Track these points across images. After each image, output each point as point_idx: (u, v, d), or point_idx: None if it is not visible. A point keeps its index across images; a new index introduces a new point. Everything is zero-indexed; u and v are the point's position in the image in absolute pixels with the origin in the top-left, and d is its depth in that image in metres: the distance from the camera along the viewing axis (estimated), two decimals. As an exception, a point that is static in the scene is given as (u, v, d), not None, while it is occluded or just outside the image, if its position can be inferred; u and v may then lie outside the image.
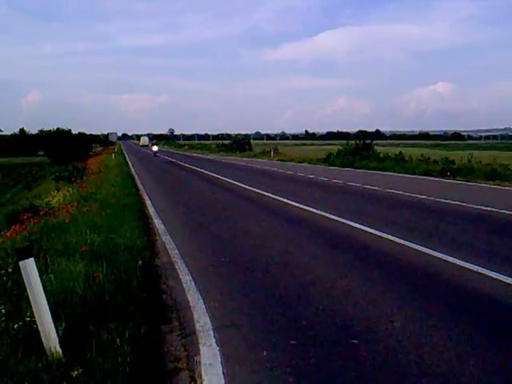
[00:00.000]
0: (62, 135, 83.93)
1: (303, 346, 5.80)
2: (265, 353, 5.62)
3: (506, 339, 6.02)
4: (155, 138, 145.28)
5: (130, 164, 50.52)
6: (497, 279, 8.18)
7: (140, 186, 25.72)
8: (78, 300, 6.58)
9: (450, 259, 9.43)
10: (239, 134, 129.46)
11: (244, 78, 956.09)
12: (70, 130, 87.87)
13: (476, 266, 8.86)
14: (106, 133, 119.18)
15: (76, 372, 4.82)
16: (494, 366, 5.26)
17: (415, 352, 5.59)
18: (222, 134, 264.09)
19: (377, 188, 23.21)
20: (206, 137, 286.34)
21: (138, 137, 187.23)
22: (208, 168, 39.71)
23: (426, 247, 10.39)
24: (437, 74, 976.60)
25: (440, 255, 9.75)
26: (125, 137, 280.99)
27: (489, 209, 16.08)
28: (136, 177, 32.44)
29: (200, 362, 5.41)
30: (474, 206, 16.80)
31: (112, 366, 4.92)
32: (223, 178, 30.42)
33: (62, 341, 5.27)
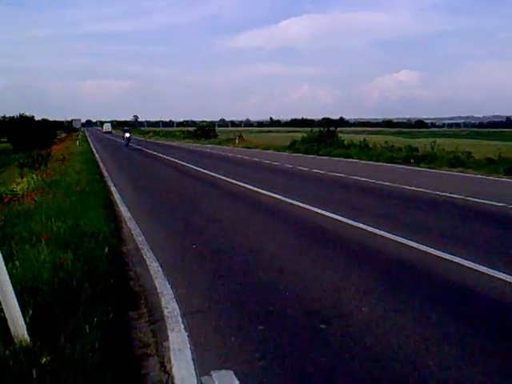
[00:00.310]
0: (25, 122, 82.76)
1: (271, 330, 5.83)
2: (233, 338, 5.64)
3: (465, 319, 6.13)
4: (119, 125, 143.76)
5: (94, 151, 50.13)
6: (453, 261, 8.32)
7: (105, 173, 25.55)
8: (45, 287, 6.52)
9: (414, 244, 9.56)
10: (204, 121, 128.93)
11: (208, 64, 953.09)
12: (33, 116, 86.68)
13: (438, 251, 9.00)
14: (69, 119, 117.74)
15: (44, 359, 4.79)
16: (458, 347, 5.36)
17: (383, 336, 5.66)
18: (187, 121, 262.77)
19: (342, 175, 23.38)
20: (170, 123, 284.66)
21: (102, 123, 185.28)
22: (173, 155, 39.57)
23: (391, 233, 10.50)
24: (400, 62, 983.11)
25: (406, 241, 9.87)
26: (89, 123, 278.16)
27: (454, 195, 16.29)
28: (101, 164, 32.21)
29: (169, 347, 5.40)
30: (438, 192, 16.99)
31: (81, 353, 4.89)
32: (189, 165, 30.37)
33: (30, 328, 5.23)
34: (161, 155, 40.95)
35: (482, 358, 5.12)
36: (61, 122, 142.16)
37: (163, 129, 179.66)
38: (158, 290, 7.26)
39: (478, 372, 4.85)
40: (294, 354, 5.24)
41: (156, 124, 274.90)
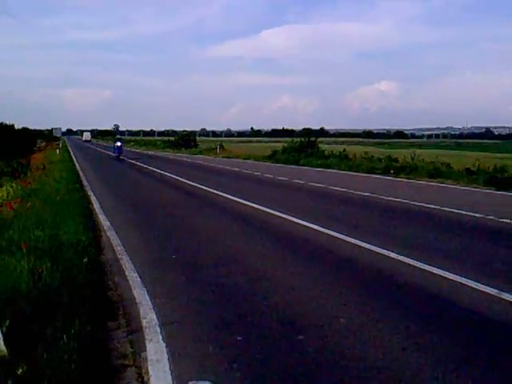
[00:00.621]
0: (4, 130, 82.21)
1: (249, 341, 5.84)
2: (211, 348, 5.64)
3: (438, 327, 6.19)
4: (100, 134, 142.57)
5: (74, 160, 49.85)
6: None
7: (85, 182, 25.43)
8: (23, 297, 6.50)
9: (393, 255, 9.62)
10: (185, 131, 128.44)
11: (190, 74, 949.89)
12: (13, 124, 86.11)
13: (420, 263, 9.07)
14: (50, 128, 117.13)
15: (21, 370, 4.77)
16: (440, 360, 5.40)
17: (360, 347, 5.68)
18: (168, 131, 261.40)
19: (321, 185, 23.46)
20: (151, 133, 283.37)
21: (83, 132, 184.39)
22: (153, 165, 39.47)
23: (367, 243, 10.56)
24: (381, 73, 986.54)
25: (383, 251, 9.93)
26: (70, 132, 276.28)
27: (431, 206, 16.40)
28: (81, 173, 32.04)
29: (147, 358, 5.40)
30: (415, 202, 17.12)
31: (58, 364, 4.88)
32: (169, 174, 30.35)
33: (7, 338, 5.21)
34: (141, 164, 40.87)
35: (461, 368, 5.16)
36: (41, 131, 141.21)
37: (144, 138, 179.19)
38: (137, 300, 7.24)
39: (458, 381, 4.89)
40: (272, 365, 5.25)
41: (137, 133, 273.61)
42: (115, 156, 52.26)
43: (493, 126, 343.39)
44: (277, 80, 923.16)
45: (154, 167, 36.66)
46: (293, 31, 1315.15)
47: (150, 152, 77.13)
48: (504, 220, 13.75)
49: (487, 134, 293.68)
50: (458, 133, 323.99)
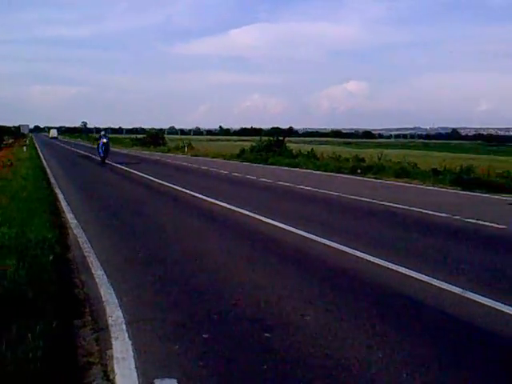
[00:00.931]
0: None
1: (216, 339, 5.86)
2: (177, 346, 5.66)
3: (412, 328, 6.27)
4: (68, 131, 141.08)
5: (41, 157, 49.32)
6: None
7: (52, 180, 25.18)
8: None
9: (358, 254, 9.70)
10: (153, 129, 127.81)
11: (158, 71, 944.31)
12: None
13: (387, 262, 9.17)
14: (17, 125, 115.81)
15: (-15, 368, 4.75)
16: (400, 355, 5.47)
17: (326, 345, 5.72)
18: (136, 128, 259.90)
19: (289, 184, 23.55)
20: (119, 130, 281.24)
21: (50, 129, 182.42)
22: (121, 162, 39.18)
23: (332, 241, 10.65)
24: (349, 73, 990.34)
25: (348, 250, 10.03)
26: (37, 129, 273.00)
27: (397, 205, 16.56)
28: (48, 170, 31.72)
29: (112, 356, 5.40)
30: (382, 202, 17.28)
31: (23, 362, 4.86)
32: (137, 172, 30.20)
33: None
34: (109, 162, 40.51)
35: (426, 366, 5.24)
36: (8, 128, 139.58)
37: (113, 136, 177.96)
38: (103, 299, 7.22)
39: (423, 379, 4.97)
40: (238, 363, 5.27)
41: (105, 131, 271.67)
42: (100, 158, 38.22)
43: (459, 126, 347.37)
44: (246, 79, 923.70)
45: (122, 165, 36.34)
46: (262, 30, 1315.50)
47: (117, 150, 76.54)
48: (470, 220, 13.92)
49: (454, 134, 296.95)
50: (425, 133, 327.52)
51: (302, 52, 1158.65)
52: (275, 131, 75.20)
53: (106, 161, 38.14)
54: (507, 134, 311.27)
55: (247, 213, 14.61)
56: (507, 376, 5.17)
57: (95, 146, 47.10)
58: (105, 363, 5.29)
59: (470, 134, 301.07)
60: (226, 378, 5.00)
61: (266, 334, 6.00)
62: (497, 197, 19.88)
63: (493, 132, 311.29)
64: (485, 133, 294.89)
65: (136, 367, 5.12)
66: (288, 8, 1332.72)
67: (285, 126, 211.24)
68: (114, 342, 5.74)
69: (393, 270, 8.72)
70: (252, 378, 4.99)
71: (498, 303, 7.00)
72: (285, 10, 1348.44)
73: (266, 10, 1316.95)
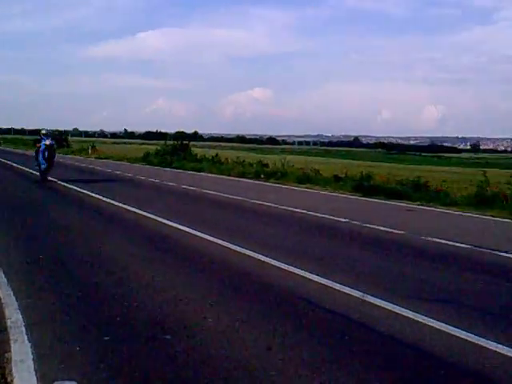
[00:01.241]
0: None
1: (117, 341, 5.82)
2: (78, 348, 5.61)
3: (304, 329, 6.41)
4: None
5: None
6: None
7: None
8: None
9: (261, 257, 9.82)
10: (57, 130, 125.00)
11: (63, 73, 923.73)
12: None
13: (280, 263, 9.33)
14: None
15: None
16: (301, 357, 5.59)
17: (227, 346, 5.77)
18: (40, 130, 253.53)
19: (193, 188, 23.58)
20: (22, 131, 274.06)
21: None
22: (23, 164, 38.16)
23: (235, 245, 10.74)
24: (255, 80, 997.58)
25: (250, 253, 10.14)
26: None
27: (298, 210, 16.84)
28: None
29: (11, 358, 5.30)
30: (284, 207, 17.54)
31: None
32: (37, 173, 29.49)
33: None
34: (13, 164, 39.42)
35: (324, 367, 5.35)
36: None
37: (15, 136, 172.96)
38: (2, 301, 7.07)
39: (321, 380, 5.08)
40: (139, 365, 5.25)
41: (8, 131, 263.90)
42: (40, 173, 25.67)
43: (361, 134, 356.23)
44: (152, 82, 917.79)
45: (24, 166, 35.41)
46: (169, 35, 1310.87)
47: (20, 151, 74.55)
48: (369, 225, 14.28)
49: (355, 142, 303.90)
50: (327, 140, 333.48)
51: (209, 58, 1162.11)
52: (180, 135, 75.03)
53: (11, 163, 36.36)
54: (407, 142, 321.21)
55: (150, 215, 14.57)
56: (399, 372, 5.36)
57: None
58: (2, 366, 5.18)
59: (371, 142, 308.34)
60: (127, 380, 4.97)
61: (167, 336, 6.02)
62: (396, 203, 20.48)
63: (393, 140, 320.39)
64: (385, 141, 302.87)
65: (35, 370, 5.04)
66: (197, 14, 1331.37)
67: (190, 131, 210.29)
68: (12, 345, 5.62)
69: (294, 273, 8.86)
70: (153, 380, 4.99)
71: (397, 307, 7.19)
72: (194, 16, 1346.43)
73: (173, 16, 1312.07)
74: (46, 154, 24.83)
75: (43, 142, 25.43)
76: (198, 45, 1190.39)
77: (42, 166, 25.01)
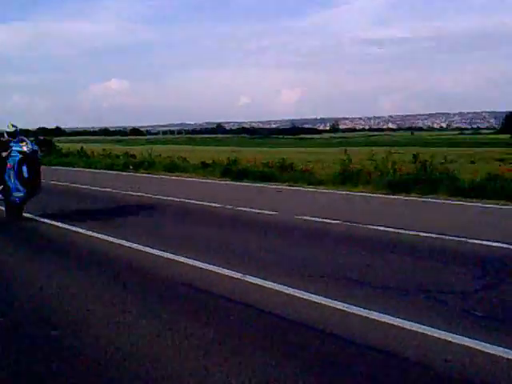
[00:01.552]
0: None
1: (1, 340, 5.79)
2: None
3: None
4: None
5: None
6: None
7: None
8: None
9: (140, 247, 9.87)
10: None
11: None
12: None
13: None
14: None
15: None
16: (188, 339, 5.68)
17: (116, 338, 5.78)
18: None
19: (64, 183, 23.16)
20: None
21: None
22: None
23: (110, 236, 10.79)
24: (110, 71, 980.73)
25: (125, 242, 10.20)
26: None
27: (166, 198, 16.97)
28: None
29: None
30: (153, 196, 17.70)
31: None
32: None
33: None
34: None
35: (212, 349, 5.49)
36: None
37: None
38: None
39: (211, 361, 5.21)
40: (29, 362, 5.21)
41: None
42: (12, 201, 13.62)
43: (224, 121, 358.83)
44: (4, 79, 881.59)
45: None
46: (18, 29, 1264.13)
47: None
48: (242, 208, 14.65)
49: (219, 129, 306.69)
50: (191, 129, 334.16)
51: (61, 51, 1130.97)
52: (42, 131, 72.83)
53: None
54: (269, 126, 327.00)
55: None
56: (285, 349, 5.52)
57: None
58: None
59: (234, 128, 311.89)
60: (14, 377, 4.97)
61: (53, 332, 5.97)
62: (265, 185, 21.02)
63: (255, 125, 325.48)
64: (248, 126, 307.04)
65: None
66: (41, 7, 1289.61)
67: (51, 126, 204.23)
68: None
69: (174, 260, 8.98)
70: (42, 374, 4.97)
71: (277, 285, 7.40)
72: (38, 8, 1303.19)
73: (18, 9, 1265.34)
74: (25, 170, 13.34)
75: (15, 149, 13.51)
76: (49, 38, 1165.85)
77: (16, 195, 13.47)
